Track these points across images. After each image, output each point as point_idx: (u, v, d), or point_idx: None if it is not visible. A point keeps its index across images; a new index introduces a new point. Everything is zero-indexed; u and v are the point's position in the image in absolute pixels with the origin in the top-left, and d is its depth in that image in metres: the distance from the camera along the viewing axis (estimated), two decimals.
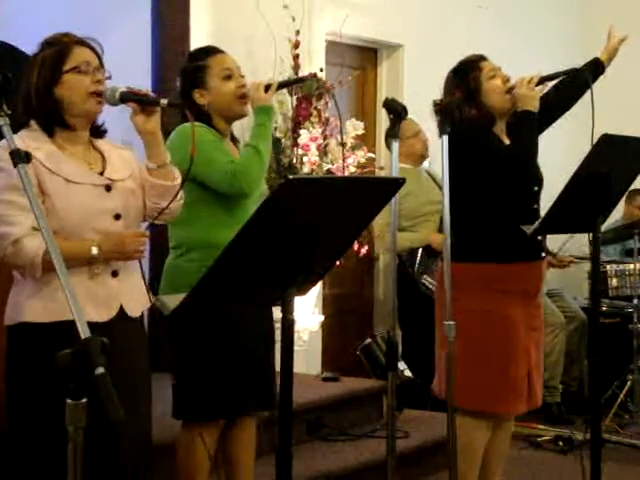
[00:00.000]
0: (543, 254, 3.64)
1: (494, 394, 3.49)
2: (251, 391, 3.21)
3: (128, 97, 2.65)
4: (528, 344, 3.54)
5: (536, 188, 3.61)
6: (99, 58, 2.67)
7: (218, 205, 3.17)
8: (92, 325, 2.51)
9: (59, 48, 2.62)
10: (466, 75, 3.55)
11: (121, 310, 2.66)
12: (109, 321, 2.59)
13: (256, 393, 3.23)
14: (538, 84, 3.52)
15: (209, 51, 3.34)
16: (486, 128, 3.54)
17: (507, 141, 3.59)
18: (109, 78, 2.67)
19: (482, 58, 3.61)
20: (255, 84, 3.27)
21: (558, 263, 6.30)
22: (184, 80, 3.33)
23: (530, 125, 3.50)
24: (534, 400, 3.59)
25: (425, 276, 5.21)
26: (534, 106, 3.49)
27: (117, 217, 2.64)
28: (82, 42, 2.65)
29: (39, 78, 2.60)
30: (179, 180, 2.77)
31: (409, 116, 5.51)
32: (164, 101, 2.68)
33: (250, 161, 3.17)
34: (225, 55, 3.31)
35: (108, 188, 2.65)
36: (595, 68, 3.74)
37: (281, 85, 3.43)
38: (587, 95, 3.49)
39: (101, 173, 2.67)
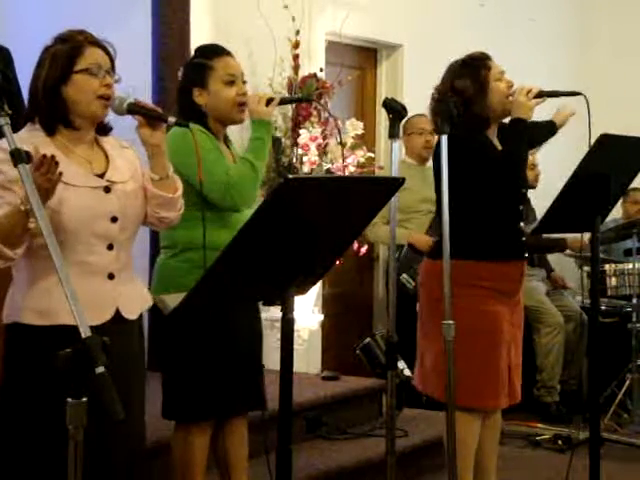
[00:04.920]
0: (526, 255, 3.69)
1: (482, 389, 3.52)
2: (240, 391, 3.21)
3: (135, 110, 2.64)
4: (509, 339, 3.59)
5: (524, 190, 3.69)
6: (111, 61, 2.62)
7: (214, 207, 3.13)
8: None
9: (72, 46, 2.57)
10: (477, 70, 3.55)
11: (117, 313, 2.61)
12: (103, 324, 2.51)
13: (245, 394, 3.23)
14: (536, 96, 3.53)
15: (216, 51, 3.27)
16: (480, 132, 3.56)
17: (498, 144, 3.61)
18: (118, 81, 2.63)
19: (489, 57, 3.61)
20: (257, 96, 3.23)
21: (552, 283, 6.32)
22: (185, 75, 3.30)
23: (522, 133, 3.53)
24: (514, 395, 3.63)
25: (404, 274, 5.23)
26: (528, 115, 3.52)
27: (114, 220, 2.59)
28: (96, 42, 2.60)
29: (48, 75, 2.56)
30: (180, 191, 2.75)
31: (420, 113, 5.54)
32: (172, 119, 2.66)
33: (245, 177, 3.14)
34: (231, 59, 3.25)
35: (107, 190, 2.60)
36: (552, 127, 3.93)
37: (283, 101, 3.39)
38: (590, 97, 3.48)
39: (103, 173, 2.62)
